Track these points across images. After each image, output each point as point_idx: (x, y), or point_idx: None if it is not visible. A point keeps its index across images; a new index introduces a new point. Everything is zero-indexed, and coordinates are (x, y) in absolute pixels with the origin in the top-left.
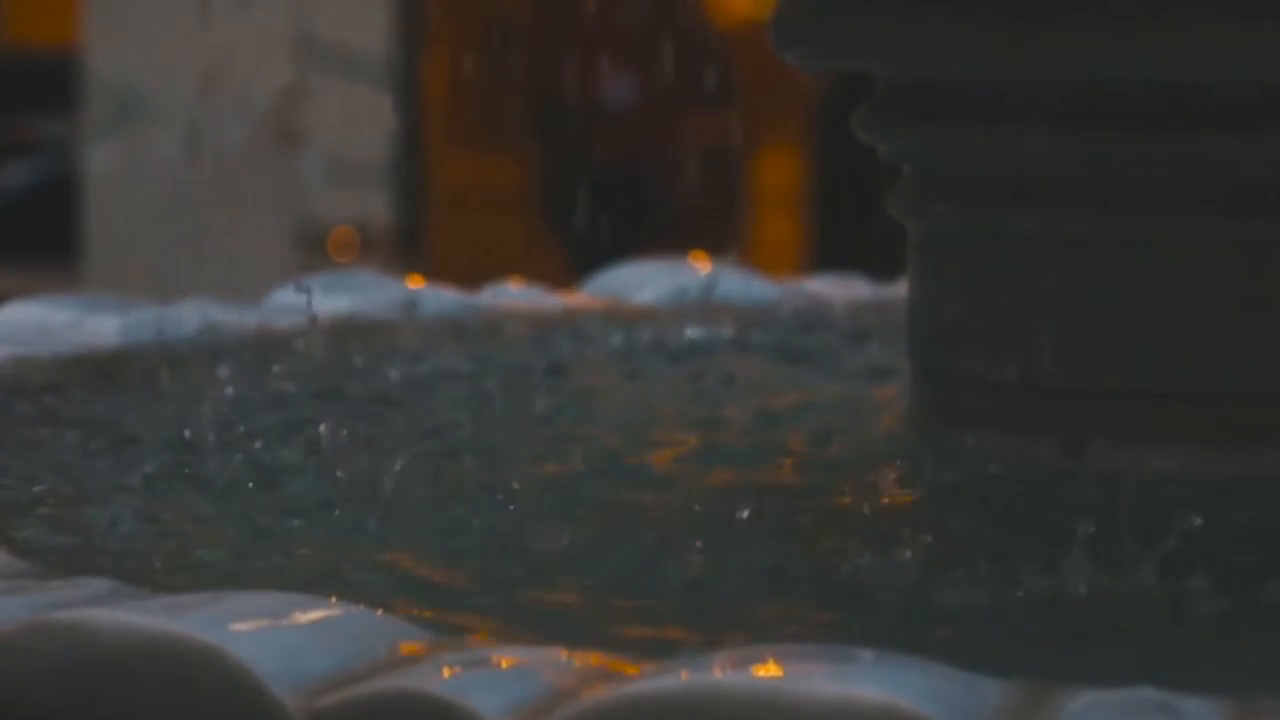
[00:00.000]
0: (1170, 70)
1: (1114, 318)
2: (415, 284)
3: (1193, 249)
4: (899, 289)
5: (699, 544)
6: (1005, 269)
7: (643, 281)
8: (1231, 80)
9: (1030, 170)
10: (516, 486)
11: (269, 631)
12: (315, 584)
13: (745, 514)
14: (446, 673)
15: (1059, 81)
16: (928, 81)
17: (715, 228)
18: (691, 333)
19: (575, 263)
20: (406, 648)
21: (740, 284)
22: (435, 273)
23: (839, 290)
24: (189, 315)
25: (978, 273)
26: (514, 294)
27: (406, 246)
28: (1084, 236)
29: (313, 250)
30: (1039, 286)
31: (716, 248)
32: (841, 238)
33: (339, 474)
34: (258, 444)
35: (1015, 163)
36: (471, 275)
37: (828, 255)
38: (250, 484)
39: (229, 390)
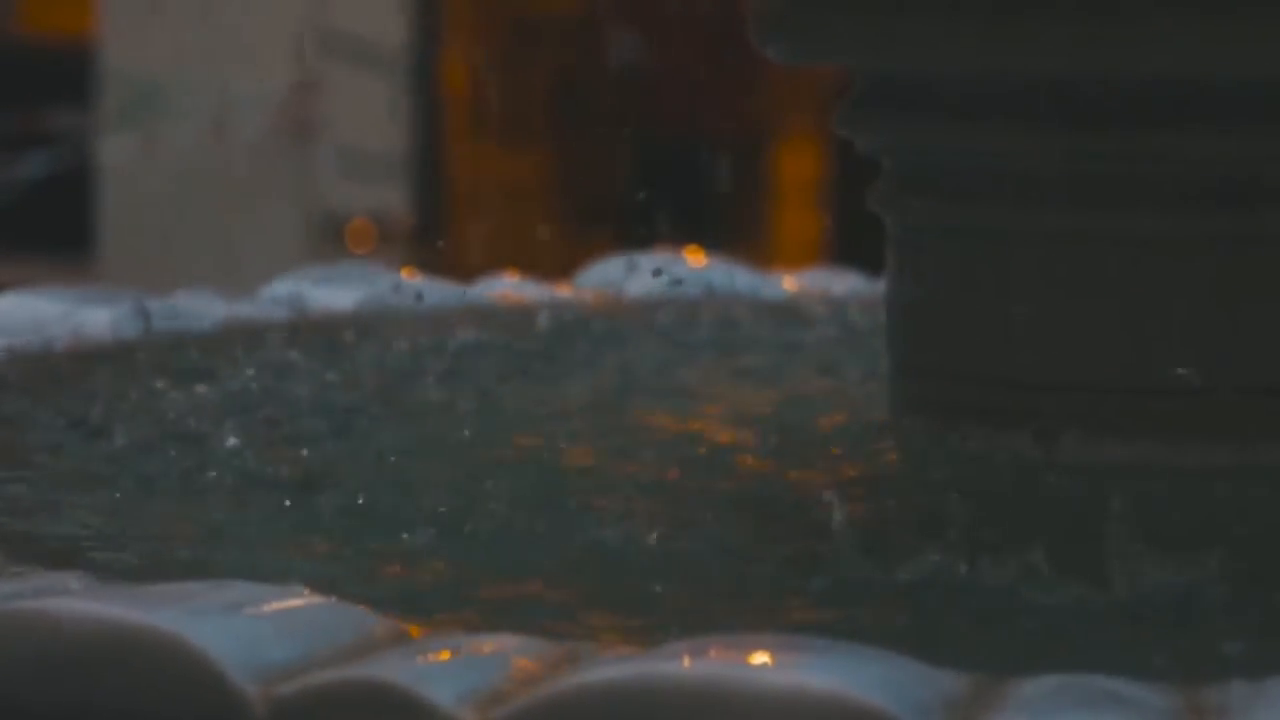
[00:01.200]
0: (1146, 66)
1: (1090, 312)
2: (408, 276)
3: (1169, 243)
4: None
5: (673, 536)
6: (982, 263)
7: (636, 274)
8: (1207, 76)
9: (1007, 165)
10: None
11: (230, 620)
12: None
13: (722, 506)
14: (405, 661)
15: (1035, 77)
16: (904, 77)
17: (736, 221)
18: (680, 325)
19: (591, 252)
20: (367, 637)
21: (731, 277)
22: (454, 266)
23: (830, 284)
24: (181, 307)
25: (955, 267)
26: (508, 286)
27: (425, 239)
28: (1060, 231)
29: (330, 243)
30: (1015, 281)
31: (738, 241)
32: (862, 231)
33: None
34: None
35: (992, 158)
36: (489, 267)
37: (848, 248)
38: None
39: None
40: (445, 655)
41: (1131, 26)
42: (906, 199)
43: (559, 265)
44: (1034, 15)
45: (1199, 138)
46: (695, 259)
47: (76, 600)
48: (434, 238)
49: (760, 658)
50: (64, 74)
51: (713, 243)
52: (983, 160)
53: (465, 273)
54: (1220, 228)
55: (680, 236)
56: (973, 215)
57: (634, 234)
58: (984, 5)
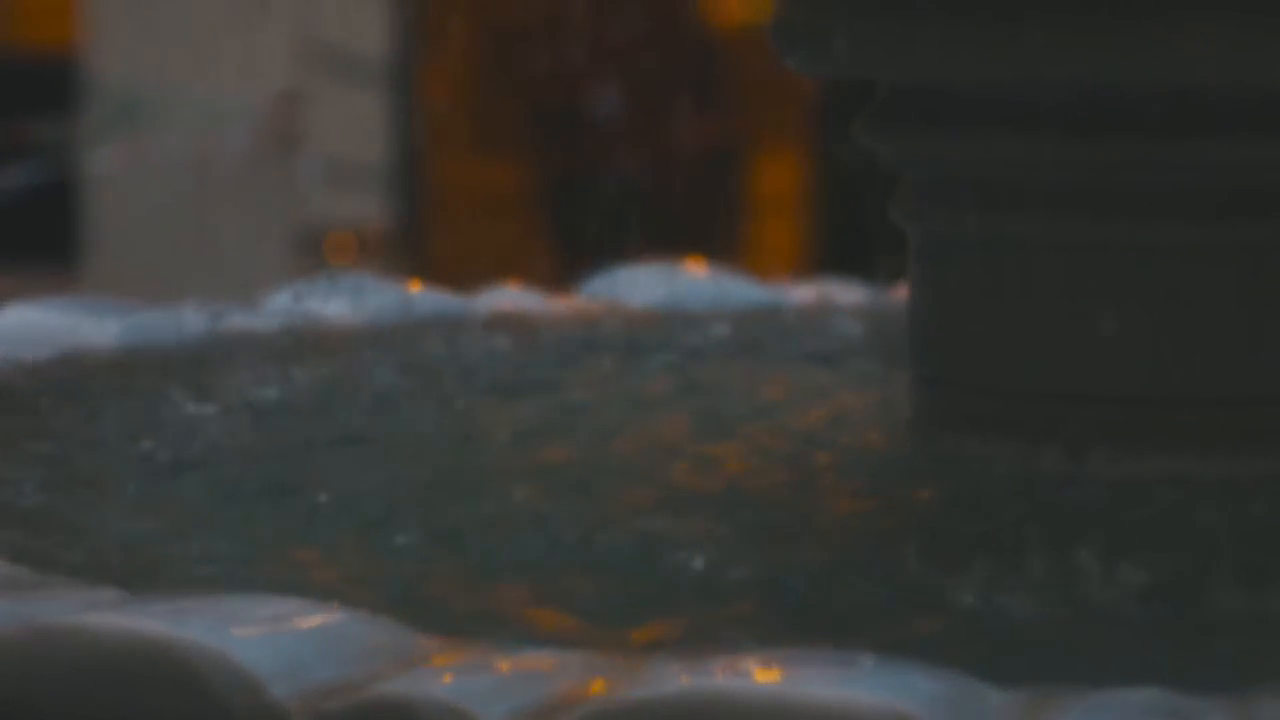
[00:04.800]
0: (1170, 75)
1: (1115, 322)
2: (412, 287)
3: (1194, 253)
4: (893, 293)
5: (695, 549)
6: (1006, 274)
7: (639, 284)
8: (1231, 84)
9: (1031, 175)
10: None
11: (272, 636)
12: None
13: (744, 519)
14: (449, 678)
15: (1059, 86)
16: (928, 86)
17: (714, 232)
18: (691, 335)
19: (574, 264)
20: (410, 653)
21: (735, 288)
22: (433, 276)
23: (834, 294)
24: (188, 319)
25: (979, 277)
26: (510, 297)
27: (405, 250)
28: (1085, 241)
29: (311, 253)
30: (1040, 291)
31: (715, 252)
32: (840, 242)
33: None
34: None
35: (1016, 168)
36: (470, 279)
37: (827, 260)
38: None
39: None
40: (492, 671)
41: (1159, 35)
42: (930, 209)
43: (540, 275)
44: (1060, 24)
45: (1224, 147)
46: (697, 269)
47: (114, 614)
48: (415, 248)
49: (811, 672)
50: (49, 85)
51: (690, 253)
52: (1006, 170)
53: (447, 283)
54: (1247, 236)
55: (656, 247)
56: (997, 225)
57: (614, 245)
58: (1009, 14)
